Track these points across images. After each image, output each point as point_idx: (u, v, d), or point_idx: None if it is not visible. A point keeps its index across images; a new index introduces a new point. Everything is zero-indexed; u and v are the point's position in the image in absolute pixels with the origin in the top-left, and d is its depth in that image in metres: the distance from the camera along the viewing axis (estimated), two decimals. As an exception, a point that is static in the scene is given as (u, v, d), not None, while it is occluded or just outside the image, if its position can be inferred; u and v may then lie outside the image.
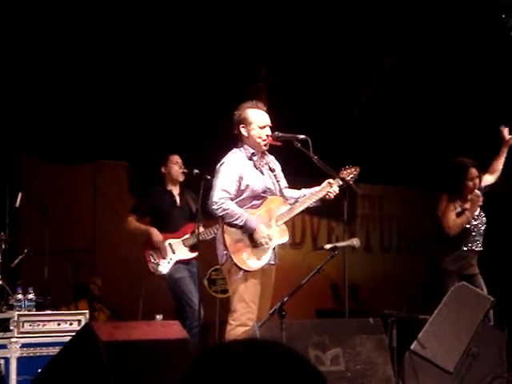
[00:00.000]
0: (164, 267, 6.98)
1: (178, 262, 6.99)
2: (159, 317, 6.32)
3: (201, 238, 6.44)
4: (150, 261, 7.02)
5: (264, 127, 5.47)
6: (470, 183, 6.59)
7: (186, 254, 7.03)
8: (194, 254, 6.92)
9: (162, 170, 7.26)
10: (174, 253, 7.01)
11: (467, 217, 6.54)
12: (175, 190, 7.28)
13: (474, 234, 6.62)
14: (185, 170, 7.02)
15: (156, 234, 7.01)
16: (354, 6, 8.49)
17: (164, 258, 6.99)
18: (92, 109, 8.34)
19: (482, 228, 6.68)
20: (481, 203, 6.58)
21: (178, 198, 7.26)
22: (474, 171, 6.60)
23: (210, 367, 1.39)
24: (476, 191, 6.56)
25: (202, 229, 6.60)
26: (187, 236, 7.05)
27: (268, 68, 9.26)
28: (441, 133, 9.77)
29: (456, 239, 6.59)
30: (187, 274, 6.98)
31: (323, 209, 6.00)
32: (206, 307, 6.79)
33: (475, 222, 6.62)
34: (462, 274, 6.51)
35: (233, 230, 5.35)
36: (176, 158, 7.22)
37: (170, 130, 8.54)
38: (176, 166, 7.19)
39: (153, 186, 7.37)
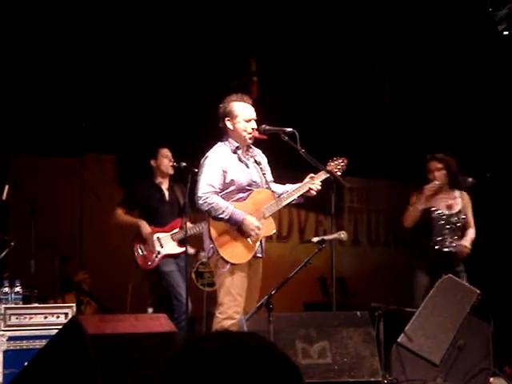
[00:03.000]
0: (152, 261, 6.98)
1: (166, 256, 6.99)
2: (150, 310, 6.32)
3: (189, 232, 6.44)
4: (139, 254, 7.02)
5: (249, 120, 5.46)
6: (430, 176, 6.68)
7: (174, 248, 7.03)
8: (183, 249, 6.92)
9: (152, 163, 7.24)
10: (162, 247, 7.01)
11: (413, 208, 6.67)
12: (164, 184, 7.27)
13: (443, 232, 6.63)
14: (175, 164, 6.99)
15: (145, 227, 7.01)
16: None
17: (152, 252, 6.99)
18: (79, 102, 8.30)
19: (454, 227, 6.67)
20: (428, 194, 6.64)
21: (166, 193, 7.25)
22: (431, 164, 6.69)
23: (185, 361, 1.39)
24: (430, 184, 6.64)
25: (189, 224, 6.61)
26: (176, 230, 7.04)
27: (258, 60, 9.24)
28: (428, 126, 9.79)
29: (424, 235, 6.64)
30: (175, 268, 6.99)
31: (310, 202, 6.00)
32: (193, 300, 6.79)
33: (442, 221, 6.64)
34: (432, 271, 6.50)
35: (219, 223, 5.35)
36: (166, 152, 7.20)
37: (157, 123, 8.52)
38: (166, 160, 7.18)
39: (141, 180, 7.35)
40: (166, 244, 7.02)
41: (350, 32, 8.76)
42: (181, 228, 6.97)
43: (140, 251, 7.02)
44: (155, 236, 7.01)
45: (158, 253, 6.98)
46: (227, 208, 5.30)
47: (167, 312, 5.88)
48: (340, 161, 5.71)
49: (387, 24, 8.85)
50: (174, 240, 7.03)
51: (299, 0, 8.40)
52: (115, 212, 7.17)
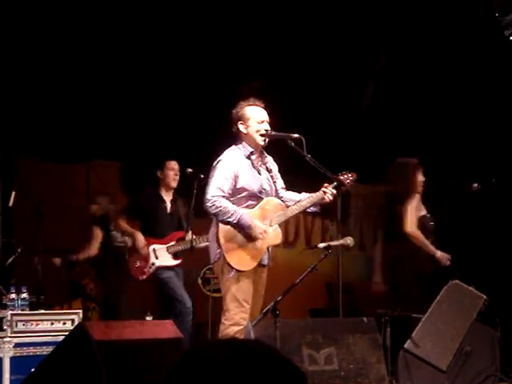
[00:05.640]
0: (146, 272, 7.00)
1: (160, 268, 7.00)
2: (149, 318, 6.34)
3: (185, 246, 6.49)
4: (133, 264, 7.05)
5: (262, 122, 5.45)
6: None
7: (168, 260, 7.03)
8: (177, 262, 6.97)
9: (158, 174, 7.27)
10: (156, 258, 7.01)
11: None
12: (167, 196, 7.29)
13: None
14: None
15: (139, 239, 7.02)
16: (349, 4, 8.50)
17: (146, 263, 7.00)
18: (86, 108, 8.31)
19: None
20: None
21: (169, 205, 7.27)
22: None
23: (189, 369, 1.39)
24: None
25: (190, 235, 6.64)
26: (172, 243, 7.05)
27: (264, 66, 9.24)
28: (434, 132, 9.78)
29: None
30: (173, 274, 7.03)
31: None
32: (198, 307, 6.80)
33: None
34: None
35: (227, 228, 5.33)
36: (172, 164, 7.22)
37: (164, 129, 8.53)
38: (171, 173, 7.20)
39: (145, 189, 7.37)
40: (161, 256, 7.02)
41: (348, 36, 8.77)
42: (177, 241, 7.00)
43: (135, 262, 7.04)
44: (151, 247, 7.03)
45: (153, 264, 6.99)
46: (235, 212, 5.27)
47: (170, 318, 5.88)
48: (349, 175, 5.68)
49: (386, 30, 8.86)
50: (169, 253, 7.04)
51: (295, 11, 8.40)
52: (117, 221, 7.22)
